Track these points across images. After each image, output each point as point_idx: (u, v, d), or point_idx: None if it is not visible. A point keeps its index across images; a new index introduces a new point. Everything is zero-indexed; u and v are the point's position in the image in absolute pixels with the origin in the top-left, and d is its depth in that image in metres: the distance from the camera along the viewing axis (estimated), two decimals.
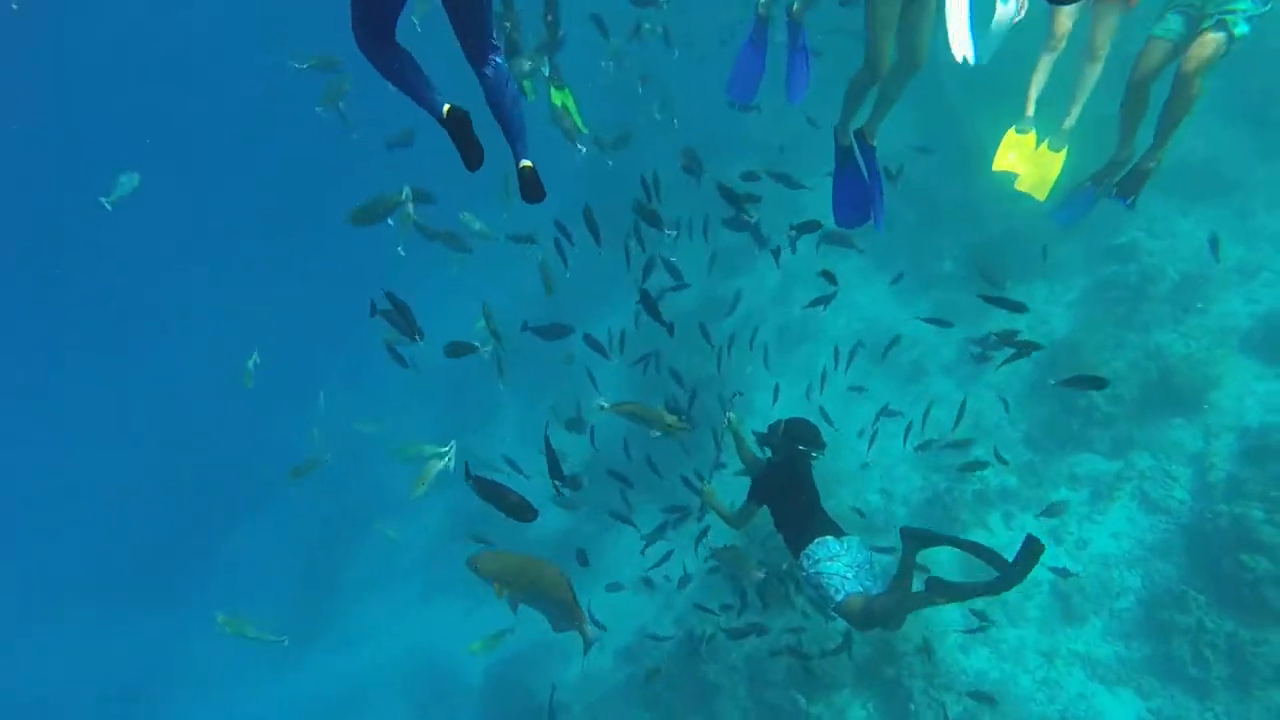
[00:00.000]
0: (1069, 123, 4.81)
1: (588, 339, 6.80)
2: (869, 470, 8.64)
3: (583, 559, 6.63)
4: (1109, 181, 4.36)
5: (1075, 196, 4.64)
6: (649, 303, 5.14)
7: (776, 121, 11.13)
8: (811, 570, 3.93)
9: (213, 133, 24.67)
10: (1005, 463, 6.77)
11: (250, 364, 7.63)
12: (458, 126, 2.53)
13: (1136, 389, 7.45)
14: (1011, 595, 6.83)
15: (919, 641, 6.41)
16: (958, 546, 3.62)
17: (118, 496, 17.75)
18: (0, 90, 21.36)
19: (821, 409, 7.27)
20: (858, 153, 4.34)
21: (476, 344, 5.65)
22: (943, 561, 6.95)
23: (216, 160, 24.88)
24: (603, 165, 8.47)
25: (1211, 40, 3.82)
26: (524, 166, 2.81)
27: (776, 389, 8.12)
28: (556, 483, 4.08)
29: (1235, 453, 6.66)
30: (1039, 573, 6.76)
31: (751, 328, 8.69)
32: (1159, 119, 4.09)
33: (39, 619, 15.66)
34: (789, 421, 4.34)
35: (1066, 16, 5.44)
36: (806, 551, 3.98)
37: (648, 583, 7.94)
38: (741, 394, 8.04)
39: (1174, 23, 4.03)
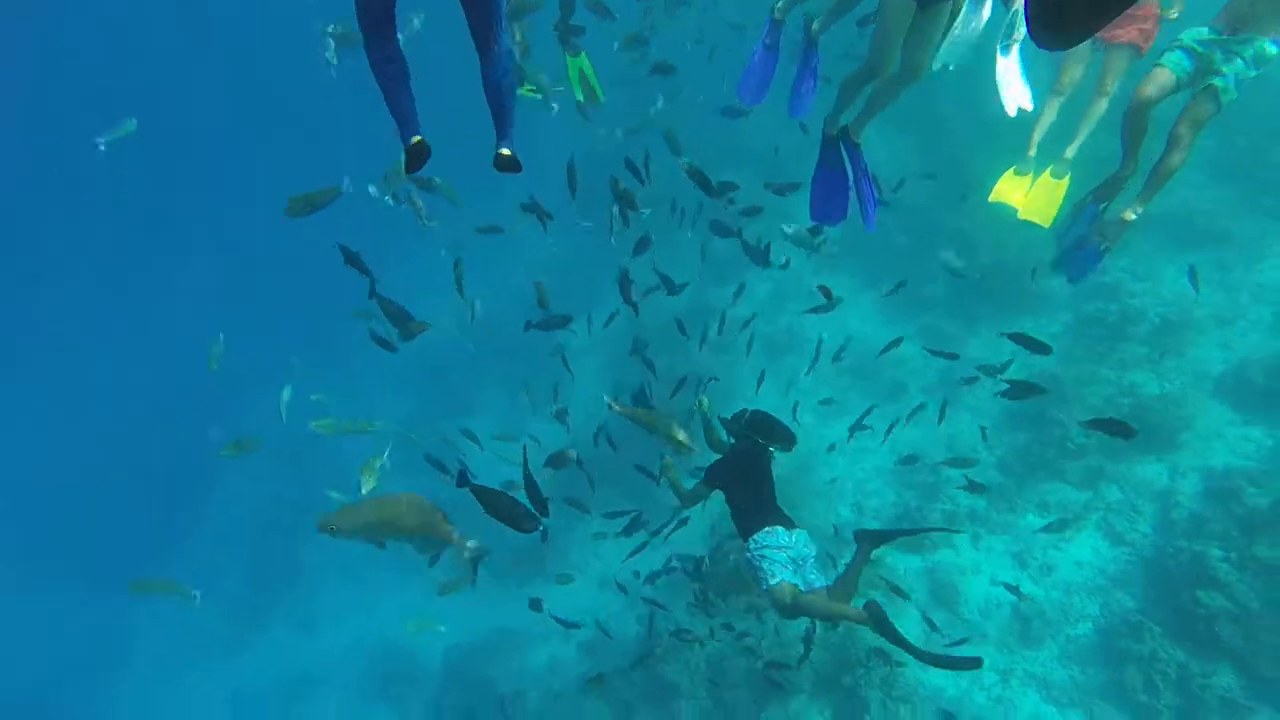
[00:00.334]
0: (1070, 152, 4.94)
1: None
2: (842, 484, 8.73)
3: (545, 536, 6.59)
4: (1109, 198, 4.45)
5: (1078, 214, 4.73)
6: (625, 285, 5.19)
7: (775, 126, 11.32)
8: (755, 553, 4.05)
9: (193, 119, 24.50)
10: (982, 488, 6.87)
11: (215, 348, 7.43)
12: (416, 157, 2.70)
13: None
14: (971, 614, 6.96)
15: (875, 648, 6.47)
16: (911, 534, 3.71)
17: (79, 477, 17.42)
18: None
19: (794, 411, 7.33)
20: (842, 148, 4.38)
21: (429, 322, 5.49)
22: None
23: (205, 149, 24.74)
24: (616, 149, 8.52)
25: (1209, 103, 3.98)
26: (503, 153, 2.86)
27: (761, 376, 8.21)
28: (537, 514, 3.72)
29: (1199, 492, 6.81)
30: (1000, 594, 6.89)
31: (739, 325, 8.72)
32: (1150, 173, 4.22)
33: None
34: (753, 413, 4.45)
35: (1076, 65, 5.57)
36: (755, 537, 4.10)
37: (620, 586, 7.94)
38: (716, 379, 8.05)
39: (1185, 62, 4.16)
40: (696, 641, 6.91)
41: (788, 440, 4.45)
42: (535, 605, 6.93)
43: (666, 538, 6.72)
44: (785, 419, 4.61)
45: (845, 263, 11.47)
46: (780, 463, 4.73)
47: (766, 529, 4.09)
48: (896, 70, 3.89)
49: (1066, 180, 5.06)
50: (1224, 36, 4.05)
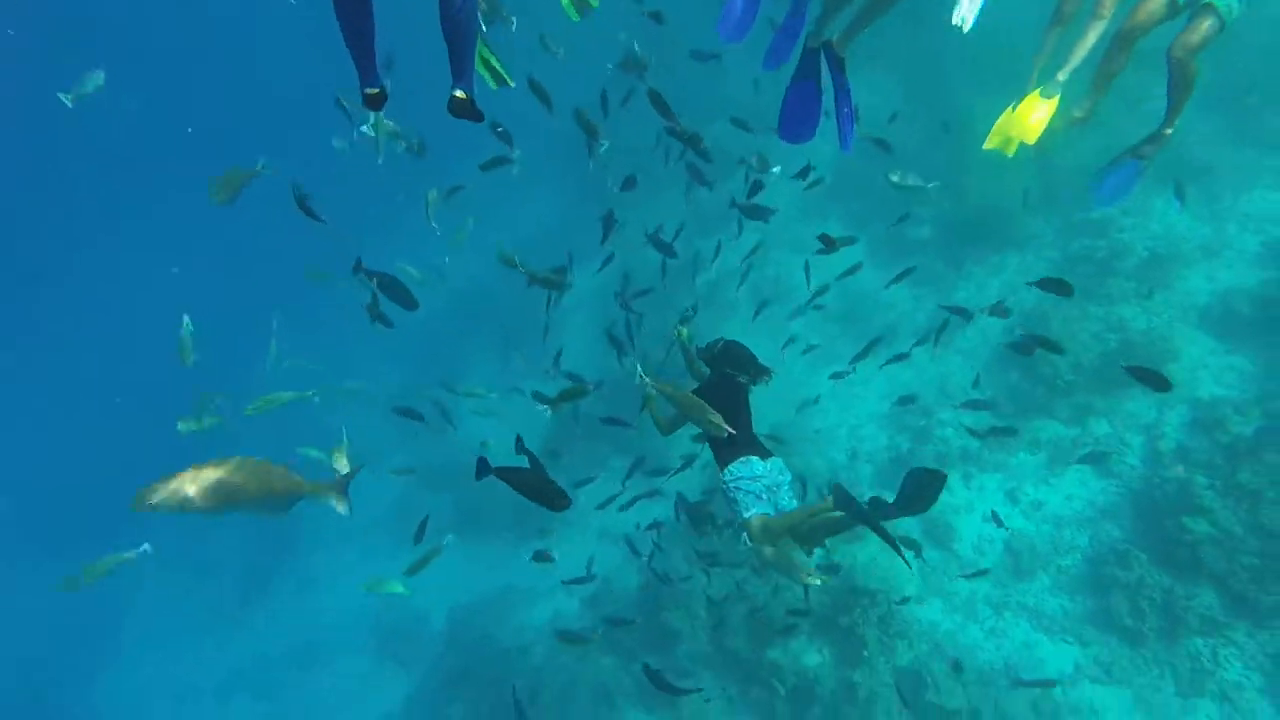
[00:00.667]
0: (1063, 75, 4.72)
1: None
2: (837, 430, 8.80)
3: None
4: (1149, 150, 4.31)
5: (1114, 169, 4.55)
6: (609, 222, 5.08)
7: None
8: (730, 483, 4.05)
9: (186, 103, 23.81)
10: (1008, 431, 6.94)
11: (185, 333, 6.64)
12: (371, 104, 2.71)
13: (1097, 359, 7.67)
14: (966, 551, 7.11)
15: (876, 590, 6.63)
16: (879, 534, 3.49)
17: (70, 460, 17.27)
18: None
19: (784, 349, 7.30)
20: (824, 62, 4.04)
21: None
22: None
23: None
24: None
25: (1204, 25, 3.82)
26: (458, 96, 2.64)
27: (759, 308, 8.32)
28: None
29: (1186, 422, 6.92)
30: (993, 531, 7.03)
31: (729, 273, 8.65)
32: (1167, 99, 4.08)
33: None
34: (726, 343, 4.39)
35: None
36: (730, 467, 4.08)
37: (628, 542, 8.01)
38: (695, 310, 7.97)
39: None
40: (703, 572, 6.99)
41: (760, 372, 4.35)
42: (542, 556, 6.94)
43: (668, 479, 6.76)
44: (774, 359, 4.55)
45: (831, 207, 11.32)
46: (764, 395, 4.64)
47: (741, 459, 4.08)
48: None
49: (1056, 100, 4.80)
50: None
